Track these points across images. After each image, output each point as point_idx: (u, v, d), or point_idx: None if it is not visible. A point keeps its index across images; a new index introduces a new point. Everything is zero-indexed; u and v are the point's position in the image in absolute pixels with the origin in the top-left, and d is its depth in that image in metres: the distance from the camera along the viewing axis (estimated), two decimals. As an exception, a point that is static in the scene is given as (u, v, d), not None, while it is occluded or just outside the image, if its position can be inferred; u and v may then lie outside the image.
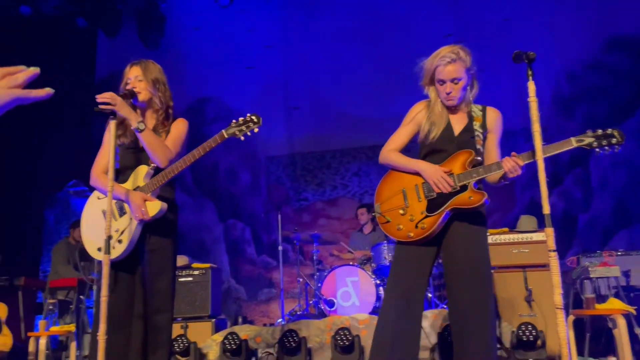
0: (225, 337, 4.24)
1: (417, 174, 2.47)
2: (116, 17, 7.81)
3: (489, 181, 2.44)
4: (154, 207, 2.43)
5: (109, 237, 2.28)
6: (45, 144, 7.15)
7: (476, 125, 2.47)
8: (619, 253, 4.62)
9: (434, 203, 2.39)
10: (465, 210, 2.38)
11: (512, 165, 2.32)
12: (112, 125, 2.39)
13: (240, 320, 7.00)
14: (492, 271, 4.22)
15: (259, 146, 8.04)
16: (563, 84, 6.98)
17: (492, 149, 2.52)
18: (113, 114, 2.40)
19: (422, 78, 2.55)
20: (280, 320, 5.60)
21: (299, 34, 8.11)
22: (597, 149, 2.36)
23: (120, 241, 2.45)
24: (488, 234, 4.25)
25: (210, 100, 8.03)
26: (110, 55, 8.17)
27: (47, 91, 0.96)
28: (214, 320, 4.77)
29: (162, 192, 2.53)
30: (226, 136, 2.38)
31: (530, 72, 2.16)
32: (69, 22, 7.55)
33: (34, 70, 0.97)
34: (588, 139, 2.35)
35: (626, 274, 4.47)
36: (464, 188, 2.37)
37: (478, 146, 2.44)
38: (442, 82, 2.43)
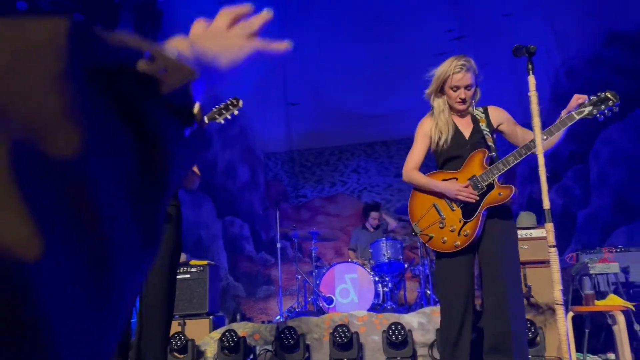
0: (223, 334, 4.22)
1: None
2: (113, 12, 7.77)
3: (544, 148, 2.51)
4: None
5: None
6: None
7: (482, 125, 2.60)
8: (619, 249, 4.60)
9: (468, 208, 2.51)
10: (497, 207, 2.50)
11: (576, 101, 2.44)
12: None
13: (238, 317, 6.98)
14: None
15: (257, 142, 8.02)
16: (562, 79, 6.96)
17: (518, 131, 2.65)
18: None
19: (430, 86, 2.65)
20: (278, 317, 5.59)
21: (298, 29, 8.07)
22: (598, 115, 2.44)
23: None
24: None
25: (207, 97, 8.00)
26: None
27: (286, 45, 0.76)
28: (211, 317, 4.75)
29: None
30: (207, 121, 2.36)
31: (530, 66, 2.14)
32: (65, 17, 7.51)
33: (269, 14, 0.75)
34: (587, 109, 2.44)
35: (625, 270, 4.44)
36: (490, 186, 2.48)
37: (489, 143, 2.57)
38: (457, 88, 2.56)
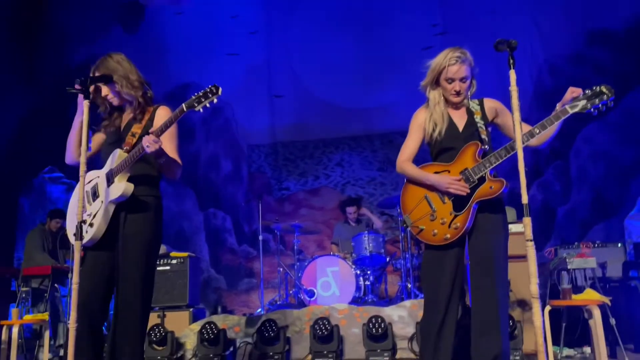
0: (203, 327, 4.20)
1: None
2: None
3: (534, 145, 2.48)
4: (118, 188, 2.38)
5: (81, 222, 2.21)
6: (21, 129, 6.98)
7: (477, 118, 2.58)
8: (596, 245, 4.67)
9: (459, 201, 2.48)
10: (488, 200, 2.47)
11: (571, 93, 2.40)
12: (84, 107, 2.31)
13: (219, 310, 6.95)
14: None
15: (240, 134, 7.96)
16: (545, 76, 7.02)
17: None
18: (86, 95, 2.33)
19: (425, 78, 2.62)
20: (260, 310, 5.57)
21: (283, 21, 8.02)
22: (592, 109, 2.40)
23: (91, 225, 2.40)
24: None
25: (191, 87, 7.88)
26: (88, 38, 7.98)
27: None
28: (191, 309, 4.72)
29: (143, 170, 2.48)
30: (185, 109, 2.32)
31: (511, 61, 2.14)
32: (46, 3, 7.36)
33: None
34: (581, 103, 2.40)
35: (602, 265, 4.52)
36: (482, 179, 2.46)
37: (483, 136, 2.54)
38: (452, 80, 2.53)
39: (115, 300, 2.41)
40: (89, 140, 2.36)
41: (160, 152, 2.33)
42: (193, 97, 2.33)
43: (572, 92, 2.41)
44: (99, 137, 2.65)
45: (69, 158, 2.65)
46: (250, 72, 7.97)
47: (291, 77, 7.93)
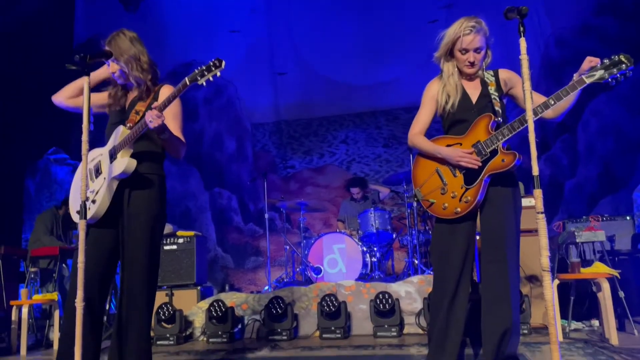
0: (211, 305, 4.21)
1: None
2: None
3: (550, 117, 2.41)
4: (121, 164, 2.35)
5: (85, 201, 2.19)
6: (24, 111, 6.95)
7: (491, 89, 2.51)
8: (604, 218, 4.64)
9: (470, 174, 2.43)
10: (500, 174, 2.42)
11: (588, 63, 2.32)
12: (85, 83, 2.27)
13: (227, 288, 7.01)
14: (478, 237, 4.21)
15: (244, 113, 7.91)
16: (552, 48, 6.91)
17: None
18: (86, 71, 2.29)
19: (439, 49, 2.54)
20: (267, 287, 5.60)
21: (285, -3, 7.90)
22: (610, 79, 2.31)
23: (94, 201, 2.38)
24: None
25: (193, 65, 7.81)
26: (88, 18, 7.89)
27: None
28: (199, 287, 4.75)
29: (147, 148, 2.46)
30: (188, 83, 2.29)
31: (522, 28, 2.07)
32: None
33: None
34: (598, 72, 2.31)
35: (611, 238, 4.49)
36: (494, 152, 2.40)
37: (497, 108, 2.47)
38: (465, 51, 2.46)
39: (120, 278, 2.41)
40: (90, 118, 2.32)
41: (163, 127, 2.30)
42: (196, 71, 2.29)
43: (590, 61, 2.32)
44: (101, 97, 2.61)
45: (58, 97, 2.64)
46: (253, 50, 7.88)
47: (294, 54, 7.84)
